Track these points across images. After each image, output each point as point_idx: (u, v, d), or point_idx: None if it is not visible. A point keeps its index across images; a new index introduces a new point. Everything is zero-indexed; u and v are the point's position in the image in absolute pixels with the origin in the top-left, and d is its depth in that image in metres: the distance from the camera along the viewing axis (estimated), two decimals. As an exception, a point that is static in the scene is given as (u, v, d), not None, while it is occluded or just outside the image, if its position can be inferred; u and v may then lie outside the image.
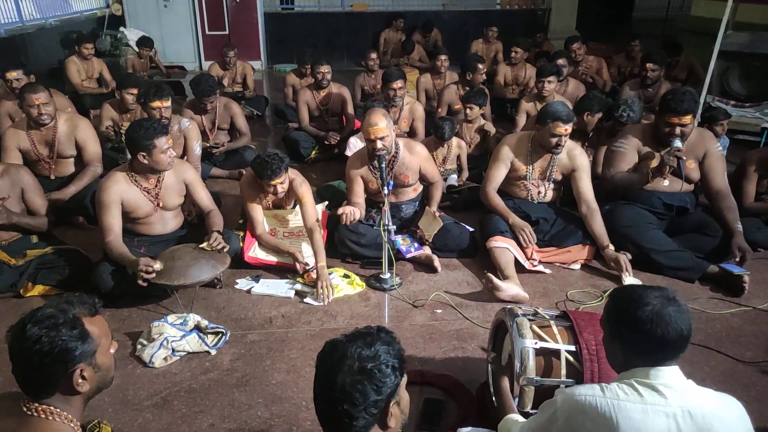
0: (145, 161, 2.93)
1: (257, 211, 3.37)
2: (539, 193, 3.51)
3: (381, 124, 3.22)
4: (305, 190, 3.35)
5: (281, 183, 3.19)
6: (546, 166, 3.44)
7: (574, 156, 3.42)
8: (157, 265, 2.72)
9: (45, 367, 1.33)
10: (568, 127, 3.25)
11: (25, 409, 1.35)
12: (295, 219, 3.48)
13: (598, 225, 3.31)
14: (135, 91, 4.62)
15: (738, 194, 3.57)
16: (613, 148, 3.51)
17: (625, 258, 3.19)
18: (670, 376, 1.41)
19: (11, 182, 3.08)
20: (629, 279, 3.13)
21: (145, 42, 7.97)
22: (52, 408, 1.35)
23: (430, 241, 3.41)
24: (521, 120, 4.93)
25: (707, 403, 1.38)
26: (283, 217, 3.48)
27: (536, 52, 7.78)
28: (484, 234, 3.39)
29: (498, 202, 3.44)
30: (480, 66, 5.32)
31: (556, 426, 1.46)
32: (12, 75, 4.68)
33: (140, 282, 2.71)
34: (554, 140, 3.28)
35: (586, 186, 3.41)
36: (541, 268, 3.31)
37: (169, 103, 3.91)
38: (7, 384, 1.39)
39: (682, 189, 3.38)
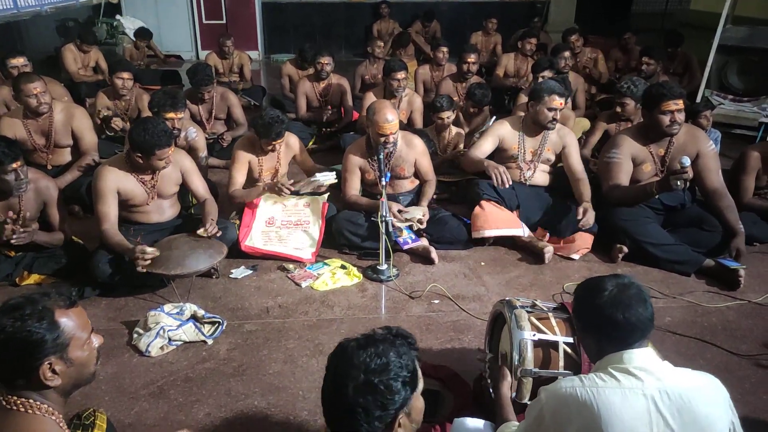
0: (141, 162, 2.92)
1: (240, 174, 3.49)
2: (531, 173, 3.58)
3: (395, 119, 3.26)
4: (301, 146, 3.73)
5: (281, 143, 3.44)
6: (537, 145, 3.52)
7: (564, 135, 3.56)
8: (152, 250, 2.71)
9: (10, 358, 1.27)
10: (563, 101, 3.37)
11: (4, 402, 1.29)
12: (294, 209, 3.48)
13: (586, 188, 3.42)
14: (125, 75, 4.58)
15: (736, 189, 3.54)
16: (607, 159, 3.39)
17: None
18: (642, 358, 1.44)
19: (36, 194, 2.98)
20: None
21: (143, 34, 7.85)
22: (31, 401, 1.30)
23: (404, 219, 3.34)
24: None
25: (684, 382, 1.41)
26: (283, 204, 3.47)
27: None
28: (470, 199, 3.50)
29: (478, 156, 3.52)
30: (468, 55, 5.26)
31: (544, 424, 1.47)
32: (19, 62, 4.59)
33: (139, 269, 2.69)
34: (551, 114, 3.37)
35: (575, 160, 3.54)
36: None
37: (182, 115, 3.73)
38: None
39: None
